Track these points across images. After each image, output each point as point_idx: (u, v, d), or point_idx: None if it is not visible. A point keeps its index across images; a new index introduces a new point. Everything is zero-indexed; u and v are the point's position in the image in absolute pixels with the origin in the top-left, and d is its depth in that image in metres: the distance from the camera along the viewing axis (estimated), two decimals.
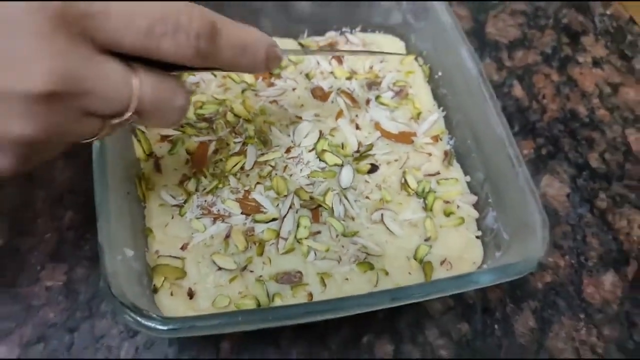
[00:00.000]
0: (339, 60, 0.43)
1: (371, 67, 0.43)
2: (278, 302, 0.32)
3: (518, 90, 0.49)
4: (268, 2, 0.41)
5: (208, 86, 0.39)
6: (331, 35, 0.45)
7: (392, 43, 0.45)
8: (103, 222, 0.28)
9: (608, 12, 0.56)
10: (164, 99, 0.24)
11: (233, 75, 0.40)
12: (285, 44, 0.43)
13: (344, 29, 0.45)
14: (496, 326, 0.36)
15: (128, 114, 0.23)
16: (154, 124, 0.30)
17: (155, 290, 0.31)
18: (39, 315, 0.32)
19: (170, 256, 0.32)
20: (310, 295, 0.32)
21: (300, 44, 0.44)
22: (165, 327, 0.25)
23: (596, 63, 0.52)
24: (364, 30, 0.45)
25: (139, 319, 0.25)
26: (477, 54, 0.50)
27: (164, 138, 0.36)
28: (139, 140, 0.35)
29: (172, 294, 0.31)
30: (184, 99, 0.25)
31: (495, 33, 0.53)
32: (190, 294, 0.31)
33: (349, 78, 0.42)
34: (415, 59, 0.44)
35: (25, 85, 0.19)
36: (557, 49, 0.52)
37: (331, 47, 0.43)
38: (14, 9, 0.19)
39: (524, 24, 0.54)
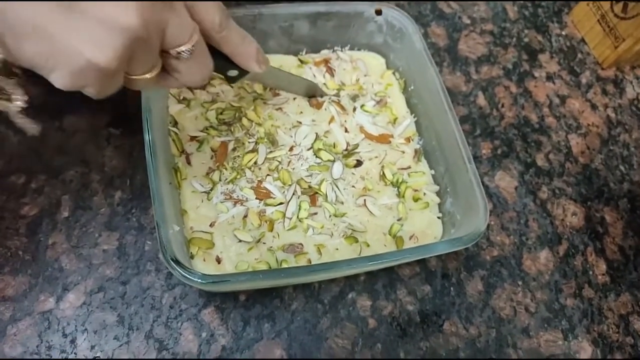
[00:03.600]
0: (332, 74, 0.55)
1: (357, 80, 0.55)
2: (285, 266, 0.43)
3: (481, 100, 0.61)
4: (274, 26, 0.52)
5: (226, 95, 0.50)
6: (325, 52, 0.56)
7: (374, 59, 0.56)
8: (158, 205, 0.38)
9: (564, 33, 0.69)
10: (205, 52, 0.35)
11: (246, 86, 0.52)
12: (286, 60, 0.55)
13: (335, 48, 0.56)
14: (452, 288, 0.48)
15: (189, 45, 0.32)
16: (191, 72, 0.35)
17: (192, 256, 0.42)
18: (98, 271, 0.43)
19: (201, 231, 0.43)
20: (309, 261, 0.43)
21: (299, 59, 0.55)
22: (205, 281, 0.36)
23: (549, 77, 0.64)
24: (352, 48, 0.56)
25: (187, 275, 0.36)
26: (450, 67, 0.63)
27: (192, 138, 0.47)
28: (173, 140, 0.46)
29: (204, 260, 0.42)
30: (212, 64, 0.36)
31: (466, 50, 0.65)
32: (218, 260, 0.42)
33: (339, 89, 0.54)
34: (393, 73, 0.56)
35: None
36: (517, 64, 0.65)
37: (326, 63, 0.55)
38: None
39: (491, 42, 0.66)
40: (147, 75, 0.32)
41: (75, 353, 0.40)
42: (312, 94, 0.52)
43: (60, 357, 0.40)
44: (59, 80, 0.29)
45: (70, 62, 0.28)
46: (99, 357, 0.40)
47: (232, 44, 0.38)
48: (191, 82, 0.36)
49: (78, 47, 0.27)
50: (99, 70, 0.28)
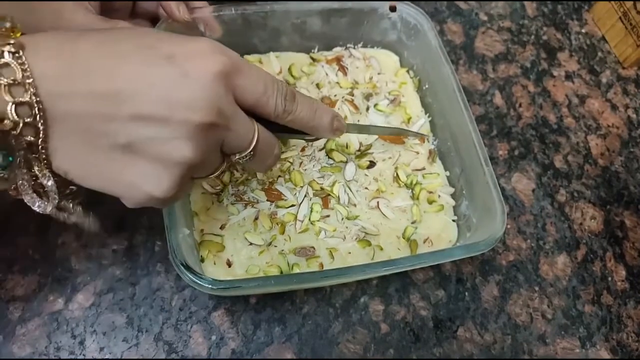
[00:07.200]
0: (344, 72, 0.55)
1: (371, 79, 0.55)
2: (296, 270, 0.43)
3: (498, 99, 0.61)
4: (286, 23, 0.52)
5: None
6: (337, 50, 0.56)
7: (388, 57, 0.56)
8: (169, 208, 0.38)
9: (583, 31, 0.68)
10: (269, 144, 0.35)
11: None
12: (298, 57, 0.55)
13: (348, 45, 0.56)
14: (466, 293, 0.48)
15: (249, 150, 0.33)
16: (256, 166, 0.36)
17: (202, 260, 0.42)
18: (108, 272, 0.43)
19: (212, 234, 0.43)
20: (321, 265, 0.44)
21: (311, 57, 0.56)
22: (215, 287, 0.36)
23: (568, 76, 0.64)
24: (365, 46, 0.56)
25: (197, 280, 0.36)
26: (466, 66, 0.63)
27: None
28: None
29: (214, 263, 0.42)
30: (278, 149, 0.37)
31: (483, 47, 0.65)
32: (229, 264, 0.43)
33: (352, 88, 0.54)
34: (407, 71, 0.56)
35: (196, 117, 0.28)
36: (535, 63, 0.64)
37: (338, 61, 0.55)
38: (199, 67, 0.29)
39: (509, 39, 0.66)
40: (222, 168, 0.35)
41: (84, 354, 0.41)
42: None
43: (69, 359, 0.40)
44: (127, 204, 0.31)
45: (132, 194, 0.30)
46: (107, 358, 0.41)
47: (302, 122, 0.37)
48: (262, 169, 0.39)
49: (137, 183, 0.29)
50: (160, 199, 0.30)
